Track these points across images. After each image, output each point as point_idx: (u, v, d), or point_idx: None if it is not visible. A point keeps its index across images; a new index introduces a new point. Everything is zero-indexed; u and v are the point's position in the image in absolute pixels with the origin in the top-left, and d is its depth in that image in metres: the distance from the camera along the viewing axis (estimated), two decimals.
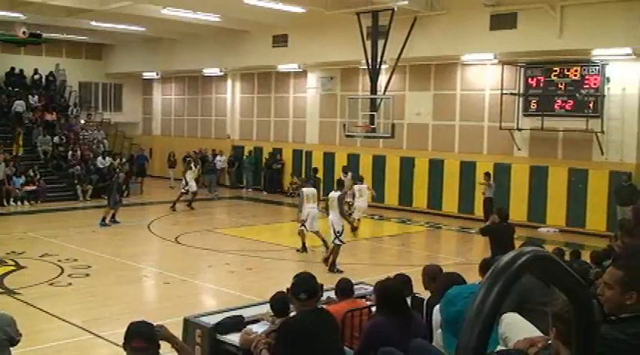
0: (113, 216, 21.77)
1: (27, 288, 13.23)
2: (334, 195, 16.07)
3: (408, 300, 6.44)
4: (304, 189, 17.97)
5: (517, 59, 22.49)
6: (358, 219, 20.92)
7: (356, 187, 21.17)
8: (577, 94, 21.17)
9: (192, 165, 25.99)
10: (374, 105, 22.80)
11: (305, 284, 5.54)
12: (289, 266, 15.67)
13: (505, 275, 1.54)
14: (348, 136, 24.41)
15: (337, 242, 15.55)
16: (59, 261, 15.96)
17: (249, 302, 9.38)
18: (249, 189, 31.42)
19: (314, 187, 18.53)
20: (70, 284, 14.19)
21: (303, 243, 17.63)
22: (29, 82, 33.83)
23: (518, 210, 22.39)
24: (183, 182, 25.34)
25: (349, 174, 23.80)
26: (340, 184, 16.87)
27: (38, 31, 29.03)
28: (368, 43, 22.79)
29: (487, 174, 21.83)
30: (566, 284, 1.76)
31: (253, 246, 18.57)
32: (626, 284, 3.34)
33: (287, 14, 24.33)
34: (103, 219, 21.40)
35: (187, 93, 36.23)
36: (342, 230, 15.72)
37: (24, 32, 27.91)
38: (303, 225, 17.35)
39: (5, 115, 31.01)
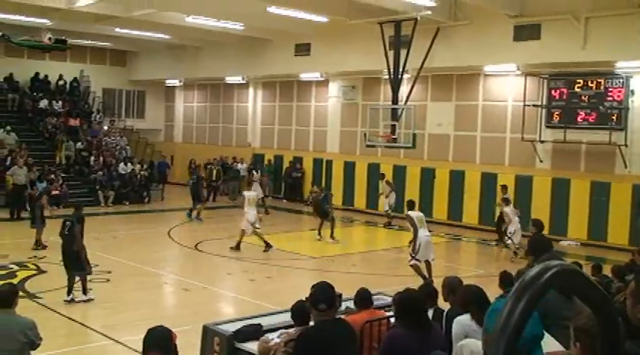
0: (198, 214, 24.32)
1: (48, 293, 13.33)
2: (418, 214, 15.91)
3: (430, 312, 6.39)
4: (245, 193, 19.68)
5: (540, 70, 22.39)
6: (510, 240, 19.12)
7: (507, 210, 19.26)
8: (600, 107, 21.01)
9: (252, 172, 27.68)
10: (395, 115, 22.77)
11: (324, 294, 5.51)
12: (309, 275, 15.65)
13: (531, 289, 1.53)
14: (368, 146, 24.39)
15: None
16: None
17: (268, 310, 9.38)
18: (269, 197, 31.40)
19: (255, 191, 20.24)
20: (90, 289, 14.24)
21: (266, 242, 18.91)
22: (53, 88, 34.15)
23: None
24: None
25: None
26: (411, 204, 16.58)
27: (63, 37, 29.31)
28: (390, 53, 22.79)
29: (504, 187, 21.46)
30: (592, 298, 1.74)
31: (273, 254, 18.57)
32: (637, 296, 3.37)
33: (310, 23, 24.40)
34: (190, 211, 24.48)
35: (209, 101, 36.41)
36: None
37: (49, 38, 28.22)
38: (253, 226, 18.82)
39: (30, 120, 31.31)
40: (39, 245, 17.89)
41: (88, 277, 14.96)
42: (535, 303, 1.52)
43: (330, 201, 21.82)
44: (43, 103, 32.01)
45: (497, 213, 21.62)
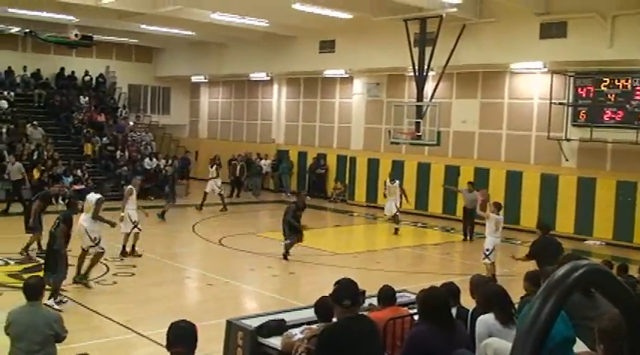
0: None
1: (72, 286, 13.44)
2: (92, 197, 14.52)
3: (454, 310, 6.37)
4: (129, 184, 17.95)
5: (566, 68, 22.20)
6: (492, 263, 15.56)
7: (494, 218, 15.53)
8: (627, 105, 20.81)
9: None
10: (420, 112, 22.71)
11: (348, 291, 5.50)
12: (332, 271, 15.64)
13: (560, 288, 1.52)
14: (393, 143, 24.34)
15: None
16: (105, 259, 16.15)
17: (291, 306, 9.41)
18: (289, 194, 31.42)
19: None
20: (114, 283, 14.40)
21: (123, 247, 16.97)
22: (80, 84, 34.45)
23: (564, 221, 22.09)
24: None
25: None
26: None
27: (89, 34, 29.55)
28: (415, 50, 22.70)
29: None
30: (620, 298, 1.73)
31: (296, 250, 18.57)
32: None
33: (334, 20, 24.36)
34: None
35: (234, 97, 36.54)
36: None
37: (76, 35, 28.49)
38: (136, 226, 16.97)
39: (56, 116, 31.61)
40: (26, 251, 16.15)
41: (114, 270, 15.16)
42: (563, 303, 1.52)
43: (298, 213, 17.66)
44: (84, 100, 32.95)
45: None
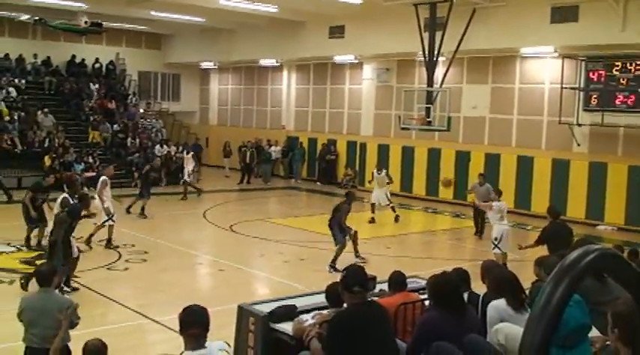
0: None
1: (85, 272, 13.53)
2: None
3: (465, 296, 6.37)
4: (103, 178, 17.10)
5: (578, 53, 22.05)
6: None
7: (495, 205, 14.99)
8: (639, 90, 20.66)
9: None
10: (430, 98, 22.59)
11: (358, 277, 5.52)
12: (342, 257, 15.64)
13: (572, 273, 1.51)
14: (403, 129, 24.24)
15: None
16: (117, 246, 16.28)
17: (302, 291, 9.44)
18: (298, 180, 31.50)
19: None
20: (127, 269, 14.49)
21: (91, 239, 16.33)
22: (90, 71, 34.49)
23: (576, 207, 22.04)
24: None
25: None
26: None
27: (99, 21, 29.55)
28: (425, 35, 22.54)
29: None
30: (632, 283, 1.72)
31: (306, 236, 18.63)
32: None
33: (344, 5, 24.28)
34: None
35: (244, 84, 36.51)
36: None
37: (85, 22, 28.46)
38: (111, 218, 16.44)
39: (67, 103, 31.68)
40: (38, 244, 15.57)
41: (127, 256, 15.22)
42: (575, 288, 1.52)
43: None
44: (94, 88, 32.91)
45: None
